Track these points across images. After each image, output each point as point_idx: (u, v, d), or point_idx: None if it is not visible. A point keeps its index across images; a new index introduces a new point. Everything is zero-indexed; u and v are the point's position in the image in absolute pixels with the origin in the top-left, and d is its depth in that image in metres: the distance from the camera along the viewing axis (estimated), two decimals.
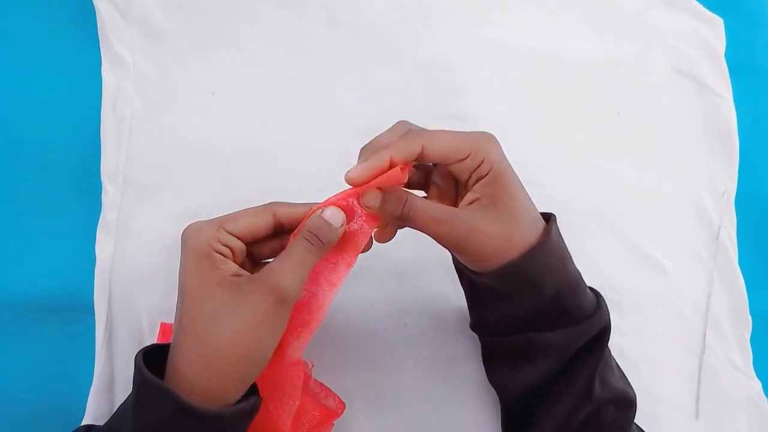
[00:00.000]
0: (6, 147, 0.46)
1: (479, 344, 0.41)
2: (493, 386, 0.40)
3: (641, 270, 0.48)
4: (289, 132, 0.47)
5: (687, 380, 0.46)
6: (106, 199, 0.45)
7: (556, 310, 0.35)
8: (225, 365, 0.31)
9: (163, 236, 0.44)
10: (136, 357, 0.32)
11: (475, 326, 0.40)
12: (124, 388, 0.42)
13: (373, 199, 0.34)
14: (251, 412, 0.33)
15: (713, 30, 0.55)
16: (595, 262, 0.47)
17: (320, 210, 0.34)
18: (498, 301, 0.36)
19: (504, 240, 0.34)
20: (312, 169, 0.46)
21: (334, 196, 0.35)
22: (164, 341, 0.35)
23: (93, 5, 0.48)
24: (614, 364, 0.38)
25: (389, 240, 0.37)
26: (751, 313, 0.47)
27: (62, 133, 0.46)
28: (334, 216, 0.33)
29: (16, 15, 0.48)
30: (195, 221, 0.33)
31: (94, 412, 0.42)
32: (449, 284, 0.44)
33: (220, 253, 0.32)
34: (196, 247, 0.32)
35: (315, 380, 0.39)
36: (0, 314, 0.43)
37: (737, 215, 0.50)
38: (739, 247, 0.49)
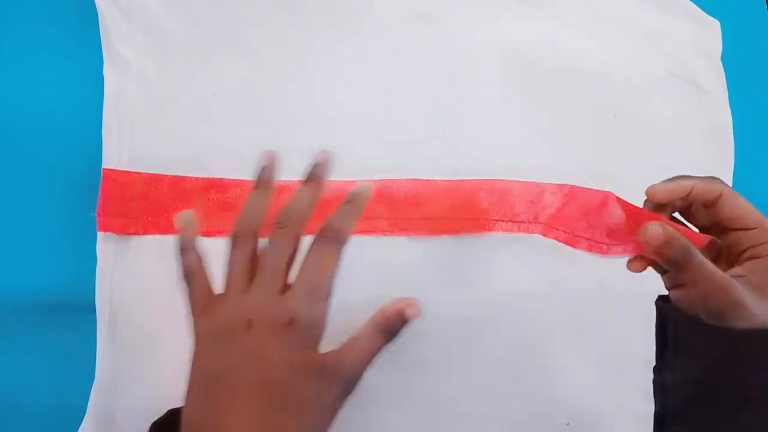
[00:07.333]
0: (7, 147, 0.46)
1: (476, 343, 0.41)
2: None
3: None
4: (291, 134, 0.48)
5: None
6: None
7: None
8: None
9: (165, 236, 0.44)
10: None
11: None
12: (125, 389, 0.42)
13: (656, 231, 0.32)
14: None
15: (710, 33, 0.55)
16: (591, 262, 0.47)
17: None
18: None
19: None
20: None
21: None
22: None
23: (95, 5, 0.48)
24: None
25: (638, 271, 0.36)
26: None
27: (64, 133, 0.46)
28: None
29: (17, 15, 0.48)
30: None
31: (96, 412, 0.41)
32: (448, 286, 0.45)
33: None
34: None
35: None
36: (0, 314, 0.43)
37: None
38: None
